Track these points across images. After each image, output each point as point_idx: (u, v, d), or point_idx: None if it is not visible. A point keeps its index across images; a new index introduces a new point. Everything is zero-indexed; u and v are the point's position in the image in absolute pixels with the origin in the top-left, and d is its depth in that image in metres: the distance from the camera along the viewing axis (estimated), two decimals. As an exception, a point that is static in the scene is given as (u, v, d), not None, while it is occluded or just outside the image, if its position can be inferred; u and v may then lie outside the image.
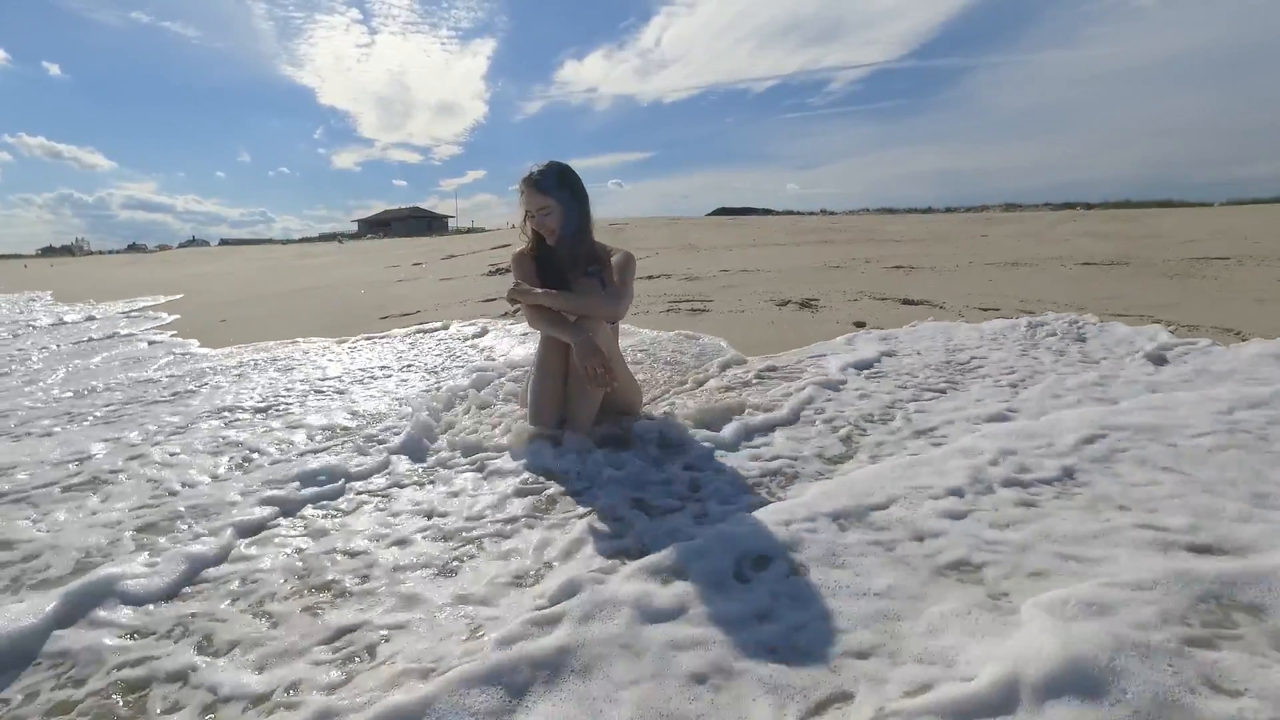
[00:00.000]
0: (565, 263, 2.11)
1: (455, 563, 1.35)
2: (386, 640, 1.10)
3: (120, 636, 1.15)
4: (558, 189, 2.02)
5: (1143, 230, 11.12)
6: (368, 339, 4.33)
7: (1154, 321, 3.42)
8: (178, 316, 6.84)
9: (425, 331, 4.44)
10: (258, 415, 2.57)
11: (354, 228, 65.91)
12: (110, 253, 60.35)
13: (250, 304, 7.65)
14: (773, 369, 2.80)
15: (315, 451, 2.09)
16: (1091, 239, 9.61)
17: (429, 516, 1.58)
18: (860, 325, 3.82)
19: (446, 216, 68.87)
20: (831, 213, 22.96)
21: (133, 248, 69.17)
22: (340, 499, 1.72)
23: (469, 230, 51.43)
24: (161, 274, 16.85)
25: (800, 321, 4.06)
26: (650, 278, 6.93)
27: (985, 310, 4.05)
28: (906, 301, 4.57)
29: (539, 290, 2.00)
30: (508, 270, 9.62)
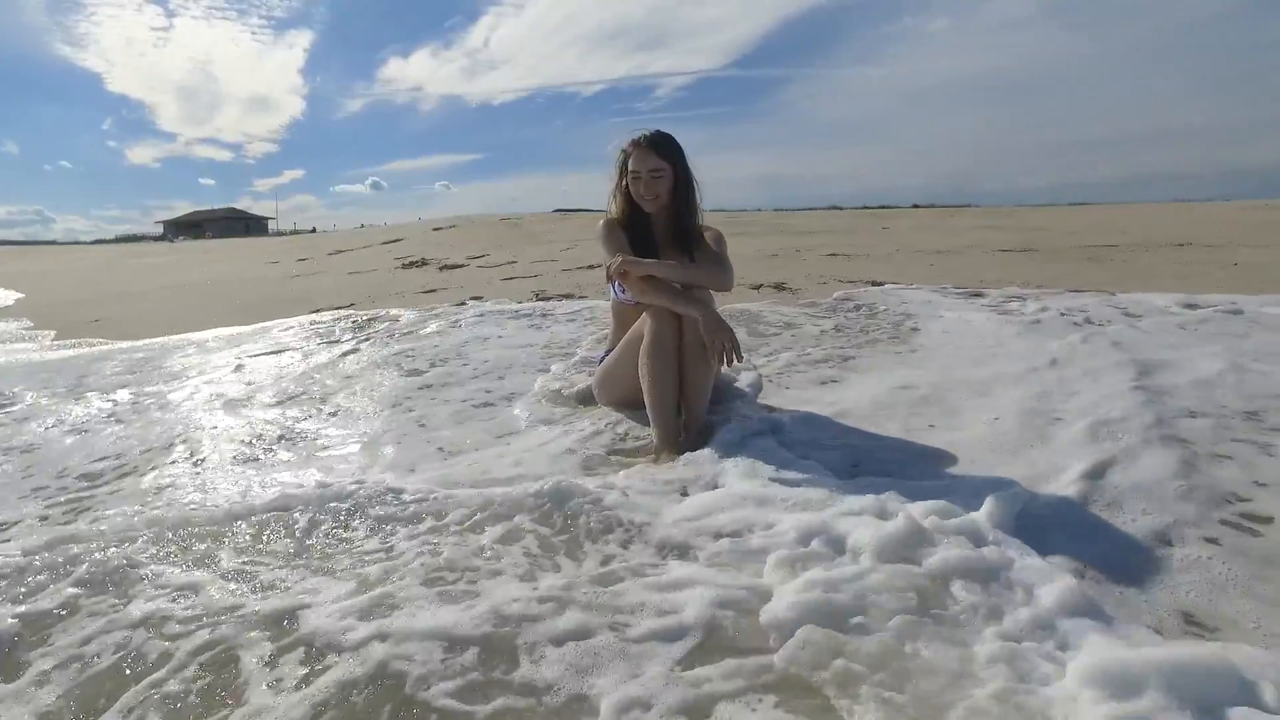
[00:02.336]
0: (663, 234, 2.07)
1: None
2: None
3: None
4: (672, 152, 2.00)
5: (1021, 224, 12.74)
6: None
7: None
8: (29, 323, 5.70)
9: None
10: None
11: (158, 230, 62.14)
12: None
13: (126, 301, 6.74)
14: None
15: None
16: (988, 231, 10.83)
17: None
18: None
19: (266, 218, 67.80)
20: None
21: None
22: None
23: (292, 232, 50.54)
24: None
25: (792, 303, 4.17)
26: (591, 268, 6.84)
27: (970, 291, 4.37)
28: (874, 283, 4.85)
29: (650, 260, 1.93)
30: (423, 264, 9.01)
